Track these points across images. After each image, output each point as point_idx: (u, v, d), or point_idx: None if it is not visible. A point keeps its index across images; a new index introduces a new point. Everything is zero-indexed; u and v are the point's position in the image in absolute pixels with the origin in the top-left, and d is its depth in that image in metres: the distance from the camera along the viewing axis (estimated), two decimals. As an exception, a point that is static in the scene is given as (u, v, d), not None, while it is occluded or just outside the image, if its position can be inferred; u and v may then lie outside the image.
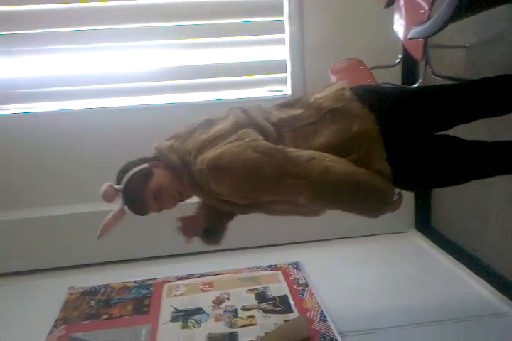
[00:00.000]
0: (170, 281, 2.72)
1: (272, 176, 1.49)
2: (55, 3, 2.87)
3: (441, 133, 1.75)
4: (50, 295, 2.65)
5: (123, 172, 1.72)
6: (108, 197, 1.68)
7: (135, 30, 2.99)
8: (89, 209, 2.98)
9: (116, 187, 1.69)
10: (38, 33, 2.92)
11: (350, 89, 1.65)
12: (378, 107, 1.59)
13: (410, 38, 1.87)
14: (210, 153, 1.54)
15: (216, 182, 1.55)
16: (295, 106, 1.70)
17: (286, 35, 3.10)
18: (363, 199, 1.51)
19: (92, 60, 3.02)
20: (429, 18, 2.16)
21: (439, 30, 1.53)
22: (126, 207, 1.72)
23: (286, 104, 1.75)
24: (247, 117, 1.65)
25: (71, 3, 2.87)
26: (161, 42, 3.06)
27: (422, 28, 1.62)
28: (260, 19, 3.08)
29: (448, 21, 1.41)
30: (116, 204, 1.73)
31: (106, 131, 2.99)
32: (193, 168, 1.60)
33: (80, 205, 3.01)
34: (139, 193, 1.66)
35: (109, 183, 1.69)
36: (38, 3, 2.86)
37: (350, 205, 1.55)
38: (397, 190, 1.60)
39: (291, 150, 1.52)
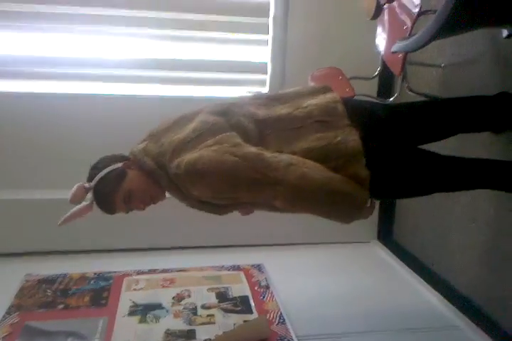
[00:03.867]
0: (130, 275, 2.70)
1: (249, 180, 1.50)
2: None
3: (419, 147, 1.82)
4: (4, 282, 2.58)
5: (96, 168, 1.70)
6: (75, 198, 1.66)
7: (124, 17, 2.97)
8: (53, 195, 2.94)
9: (87, 185, 1.67)
10: (27, 10, 2.86)
11: (342, 102, 1.67)
12: (364, 124, 1.64)
13: (393, 52, 1.92)
14: (187, 157, 1.52)
15: (194, 186, 1.55)
16: (286, 103, 1.71)
17: (270, 37, 3.13)
18: (337, 205, 1.54)
19: (81, 43, 3.01)
20: (410, 34, 2.23)
21: (423, 46, 1.57)
22: (94, 204, 1.70)
23: (278, 98, 1.75)
24: (227, 118, 1.63)
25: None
26: (146, 31, 3.04)
27: (406, 42, 1.67)
28: (245, 19, 3.10)
29: (432, 38, 1.46)
30: (86, 199, 1.70)
31: (92, 117, 2.95)
32: (169, 170, 1.59)
33: (44, 191, 2.95)
34: (109, 194, 1.65)
35: (79, 184, 1.67)
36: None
37: (324, 211, 1.57)
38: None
39: (270, 156, 1.53)
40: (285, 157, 1.52)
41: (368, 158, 1.57)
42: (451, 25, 1.40)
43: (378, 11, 2.53)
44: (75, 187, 1.66)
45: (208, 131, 1.57)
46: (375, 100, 2.80)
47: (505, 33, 1.99)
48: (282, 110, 1.67)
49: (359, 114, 1.68)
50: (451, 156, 1.79)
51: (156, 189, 1.69)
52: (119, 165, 1.69)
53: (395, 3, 2.42)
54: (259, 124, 1.63)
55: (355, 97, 2.63)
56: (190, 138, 1.57)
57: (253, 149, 1.54)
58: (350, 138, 1.57)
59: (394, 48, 1.79)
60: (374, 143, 1.63)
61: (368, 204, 1.64)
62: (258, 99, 1.76)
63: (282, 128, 1.62)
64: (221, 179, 1.51)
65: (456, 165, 1.78)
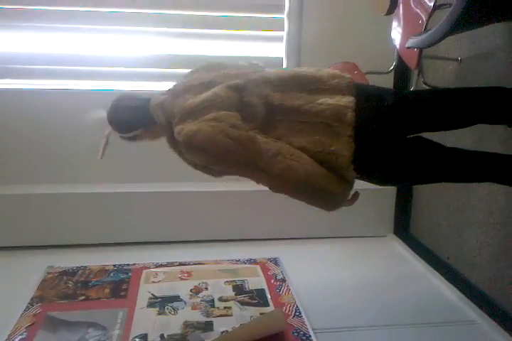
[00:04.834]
0: (149, 268, 2.74)
1: (237, 163, 1.64)
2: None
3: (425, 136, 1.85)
4: (27, 274, 2.64)
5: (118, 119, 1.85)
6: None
7: (135, 15, 3.01)
8: (73, 189, 3.01)
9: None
10: (28, 9, 2.92)
11: (354, 110, 1.67)
12: (371, 109, 1.71)
13: (408, 47, 1.92)
14: (187, 127, 1.63)
15: (188, 154, 1.70)
16: (303, 92, 1.73)
17: (285, 33, 3.14)
18: (315, 199, 1.66)
19: (82, 41, 3.04)
20: (426, 28, 2.22)
21: (437, 42, 1.58)
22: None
23: (296, 80, 1.76)
24: (241, 95, 1.69)
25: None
26: (159, 29, 3.08)
27: (420, 38, 1.67)
28: (260, 15, 3.12)
29: (446, 34, 1.46)
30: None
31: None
32: (174, 131, 1.70)
33: (63, 185, 3.03)
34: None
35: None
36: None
37: (304, 200, 1.68)
38: (353, 191, 1.75)
39: (263, 141, 1.62)
40: (276, 145, 1.61)
41: (368, 143, 1.67)
42: (465, 20, 1.41)
43: (393, 7, 2.52)
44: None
45: (215, 105, 1.65)
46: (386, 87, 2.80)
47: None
48: (297, 101, 1.70)
49: (367, 99, 1.72)
50: (453, 148, 1.82)
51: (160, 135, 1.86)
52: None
53: (410, -3, 2.41)
54: (271, 108, 1.69)
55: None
56: (198, 109, 1.66)
57: (249, 133, 1.62)
58: (343, 152, 1.62)
59: (408, 44, 1.79)
60: (379, 127, 1.70)
61: (349, 198, 1.73)
62: (277, 81, 1.77)
63: (291, 119, 1.68)
64: (212, 157, 1.64)
65: (456, 156, 1.80)
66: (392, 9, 2.51)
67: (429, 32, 1.53)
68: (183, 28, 3.09)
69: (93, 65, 3.07)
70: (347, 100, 1.71)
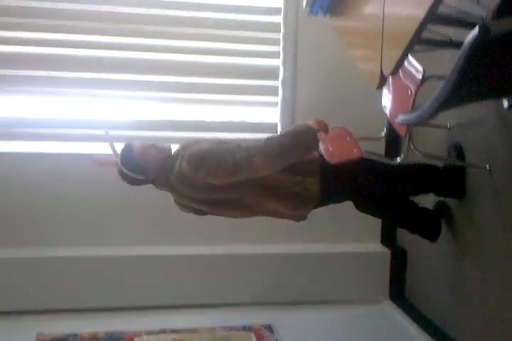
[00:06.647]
0: (141, 335, 2.69)
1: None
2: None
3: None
4: (17, 340, 2.59)
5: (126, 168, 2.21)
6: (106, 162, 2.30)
7: (127, 81, 3.13)
8: (64, 253, 2.99)
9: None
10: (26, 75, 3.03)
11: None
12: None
13: (398, 122, 1.99)
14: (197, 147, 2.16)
15: (198, 174, 2.09)
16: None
17: (279, 99, 3.24)
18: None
19: (90, 105, 3.14)
20: (414, 99, 2.30)
21: (425, 121, 1.64)
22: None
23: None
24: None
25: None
26: (160, 94, 3.19)
27: (409, 117, 1.74)
28: (255, 82, 3.24)
29: (433, 115, 1.52)
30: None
31: (87, 176, 2.98)
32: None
33: (49, 248, 3.01)
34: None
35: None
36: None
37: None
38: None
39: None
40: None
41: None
42: (452, 101, 1.47)
43: (383, 82, 2.60)
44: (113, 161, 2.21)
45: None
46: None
47: (505, 103, 2.06)
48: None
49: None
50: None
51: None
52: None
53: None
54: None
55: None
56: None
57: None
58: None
59: (398, 120, 1.85)
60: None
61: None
62: None
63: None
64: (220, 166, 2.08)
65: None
66: (382, 84, 2.60)
67: (417, 112, 1.59)
68: (180, 92, 3.19)
69: (86, 128, 3.12)
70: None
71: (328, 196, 2.35)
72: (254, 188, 2.22)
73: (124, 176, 2.23)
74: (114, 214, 3.04)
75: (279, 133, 2.25)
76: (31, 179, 2.99)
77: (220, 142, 2.21)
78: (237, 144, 2.16)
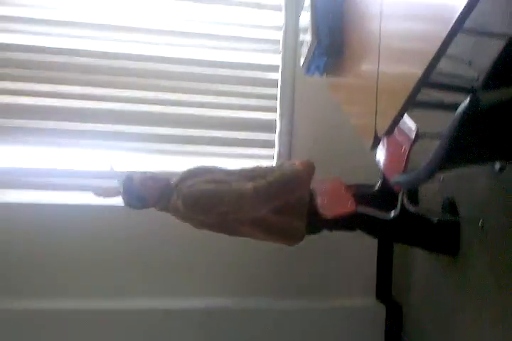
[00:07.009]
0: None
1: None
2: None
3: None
4: None
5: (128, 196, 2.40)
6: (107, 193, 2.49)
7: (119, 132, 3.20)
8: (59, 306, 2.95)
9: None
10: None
11: None
12: None
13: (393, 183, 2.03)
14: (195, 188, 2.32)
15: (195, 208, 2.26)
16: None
17: (275, 151, 3.31)
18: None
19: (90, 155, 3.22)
20: (408, 157, 2.35)
21: (419, 184, 1.69)
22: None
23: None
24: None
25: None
26: (157, 146, 3.26)
27: (404, 179, 1.79)
28: (253, 134, 3.32)
29: (425, 180, 1.57)
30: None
31: (88, 227, 3.04)
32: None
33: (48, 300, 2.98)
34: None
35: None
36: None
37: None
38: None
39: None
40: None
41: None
42: (445, 166, 1.52)
43: (376, 143, 2.66)
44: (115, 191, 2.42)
45: None
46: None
47: (497, 166, 2.12)
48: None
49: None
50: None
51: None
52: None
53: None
54: None
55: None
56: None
57: None
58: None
59: (393, 182, 1.89)
60: None
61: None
62: None
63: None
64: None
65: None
66: (376, 144, 2.65)
67: (411, 175, 1.64)
68: (180, 143, 3.25)
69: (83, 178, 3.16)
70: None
71: (317, 229, 2.55)
72: (245, 224, 2.39)
73: (126, 203, 2.42)
74: (111, 266, 3.03)
75: (267, 175, 2.37)
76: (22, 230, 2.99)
77: (214, 181, 2.35)
78: (229, 184, 2.32)
